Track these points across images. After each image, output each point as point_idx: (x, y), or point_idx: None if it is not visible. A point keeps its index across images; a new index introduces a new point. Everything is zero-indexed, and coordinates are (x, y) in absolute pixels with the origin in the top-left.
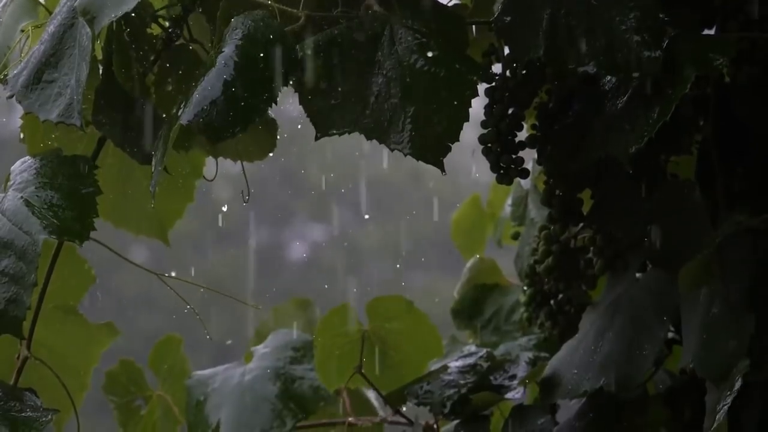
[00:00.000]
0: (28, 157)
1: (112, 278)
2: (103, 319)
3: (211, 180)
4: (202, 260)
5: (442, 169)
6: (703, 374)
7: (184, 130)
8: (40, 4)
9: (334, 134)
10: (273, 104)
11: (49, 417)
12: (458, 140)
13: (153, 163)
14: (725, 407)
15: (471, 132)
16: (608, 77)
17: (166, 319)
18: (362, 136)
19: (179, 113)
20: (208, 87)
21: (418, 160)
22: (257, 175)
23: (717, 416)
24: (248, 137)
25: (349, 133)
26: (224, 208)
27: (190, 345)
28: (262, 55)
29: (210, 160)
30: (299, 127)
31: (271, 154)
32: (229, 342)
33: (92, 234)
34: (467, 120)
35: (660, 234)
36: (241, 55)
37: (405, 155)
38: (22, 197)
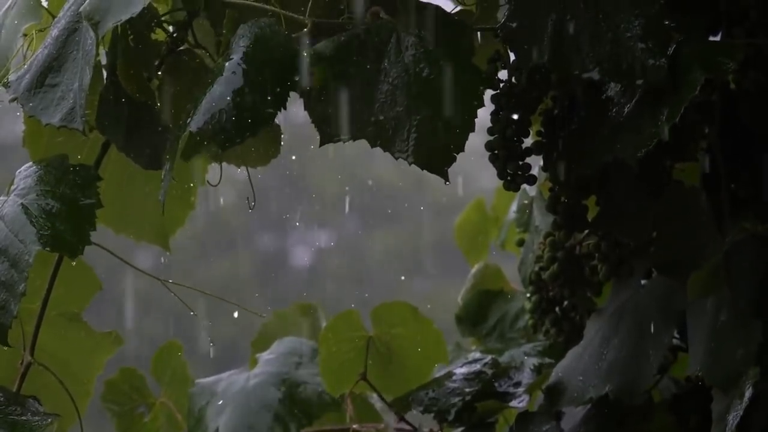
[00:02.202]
0: (32, 163)
1: (115, 283)
2: (106, 324)
3: (216, 185)
4: (206, 266)
5: (446, 179)
6: (711, 382)
7: (192, 139)
8: (43, 7)
9: (338, 141)
10: (281, 110)
11: (49, 421)
12: (463, 150)
13: (163, 172)
14: (738, 416)
15: (477, 138)
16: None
17: (170, 325)
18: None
19: (188, 121)
20: (217, 94)
21: (422, 169)
22: (262, 180)
23: (729, 425)
24: (252, 143)
25: (354, 140)
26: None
27: (194, 350)
28: (269, 62)
29: (213, 167)
30: (304, 132)
31: (274, 160)
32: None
33: (97, 239)
34: (473, 130)
35: (664, 240)
36: (249, 62)
37: (409, 164)
38: (21, 204)
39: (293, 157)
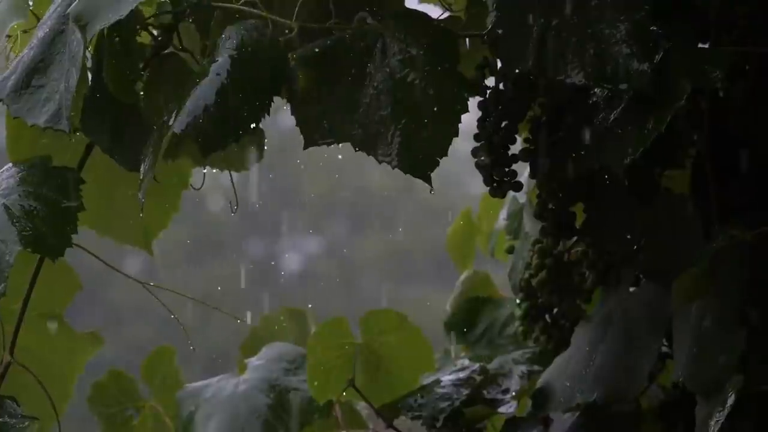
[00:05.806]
0: (14, 163)
1: (104, 288)
2: (96, 329)
3: (199, 189)
4: (196, 272)
5: (429, 184)
6: (692, 388)
7: (174, 139)
8: (28, 7)
9: (323, 144)
10: (266, 114)
11: (26, 424)
12: (446, 155)
13: (141, 171)
14: (719, 423)
15: (466, 143)
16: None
17: (160, 330)
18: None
19: (171, 122)
20: (201, 96)
21: (405, 173)
22: (251, 186)
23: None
24: (235, 147)
25: (337, 143)
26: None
27: (184, 356)
28: (254, 64)
29: (198, 170)
30: (294, 138)
31: (265, 165)
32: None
33: (85, 244)
34: (456, 135)
35: (652, 248)
36: (234, 64)
37: (393, 168)
38: (4, 203)
39: (283, 163)
